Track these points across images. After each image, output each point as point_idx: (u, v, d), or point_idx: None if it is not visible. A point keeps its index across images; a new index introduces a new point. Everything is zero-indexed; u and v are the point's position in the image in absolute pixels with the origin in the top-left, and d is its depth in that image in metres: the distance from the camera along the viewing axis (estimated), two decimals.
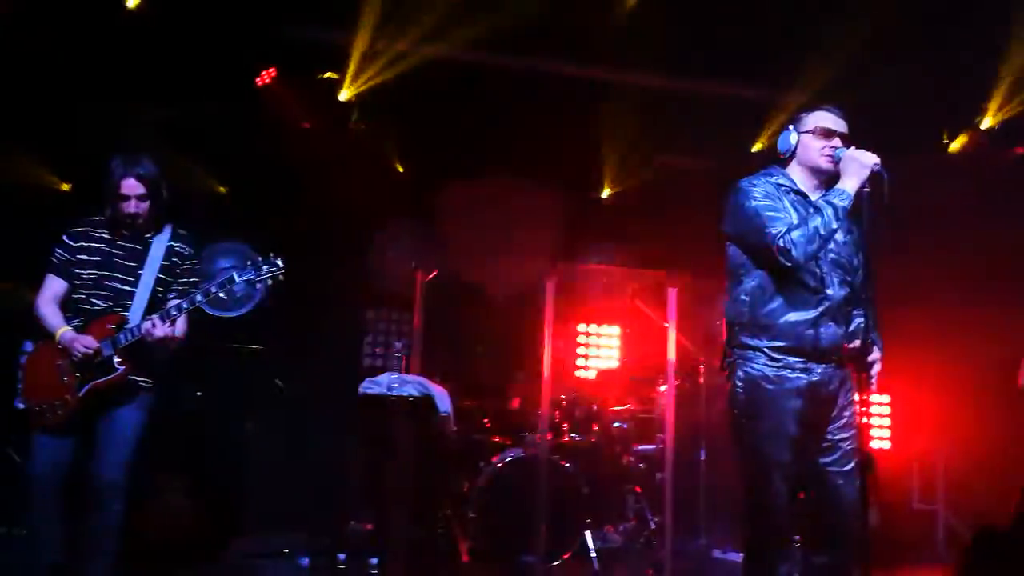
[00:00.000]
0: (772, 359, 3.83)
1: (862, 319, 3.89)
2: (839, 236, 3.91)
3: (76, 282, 4.52)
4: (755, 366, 3.85)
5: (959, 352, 7.54)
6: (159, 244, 4.58)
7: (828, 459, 3.87)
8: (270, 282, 4.49)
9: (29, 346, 4.60)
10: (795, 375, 3.81)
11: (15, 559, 4.69)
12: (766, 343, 3.84)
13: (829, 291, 3.87)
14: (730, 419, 3.98)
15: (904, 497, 8.09)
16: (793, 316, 3.83)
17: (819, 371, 3.84)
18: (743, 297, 3.92)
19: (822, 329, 3.83)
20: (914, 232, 6.66)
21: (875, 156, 3.74)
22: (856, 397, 3.93)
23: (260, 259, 4.51)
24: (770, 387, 3.82)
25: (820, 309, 3.84)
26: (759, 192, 3.89)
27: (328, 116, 7.89)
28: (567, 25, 6.83)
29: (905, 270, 6.67)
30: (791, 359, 3.82)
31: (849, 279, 3.95)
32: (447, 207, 8.15)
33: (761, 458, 3.83)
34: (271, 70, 7.51)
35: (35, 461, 4.40)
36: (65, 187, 7.64)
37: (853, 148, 3.83)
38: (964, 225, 7.38)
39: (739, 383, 3.89)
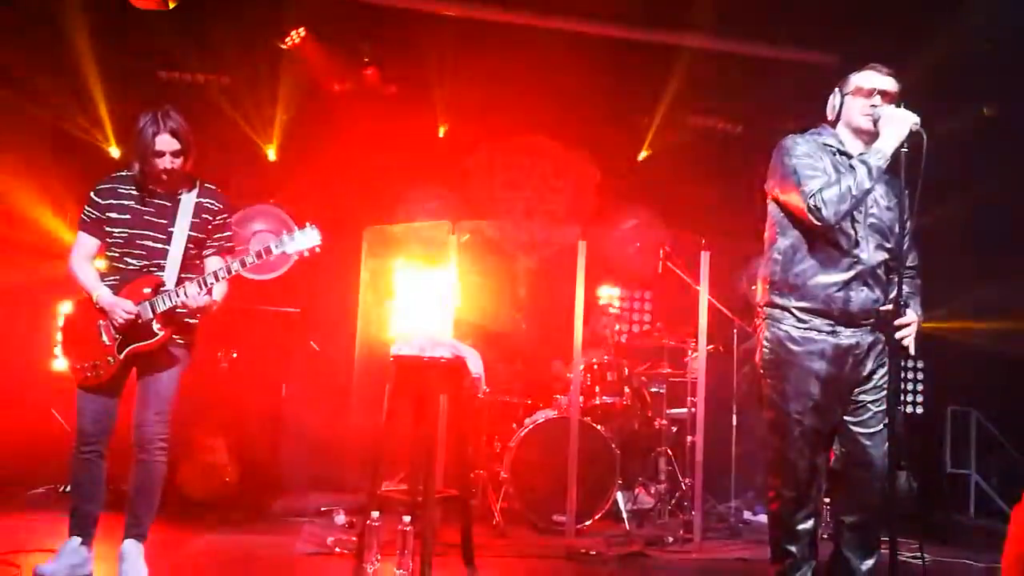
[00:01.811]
0: (799, 320, 3.83)
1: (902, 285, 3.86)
2: (881, 201, 3.87)
3: (108, 240, 4.50)
4: (782, 326, 3.86)
5: (992, 316, 7.49)
6: (188, 200, 4.53)
7: (856, 419, 3.86)
8: (306, 253, 4.51)
9: (67, 307, 4.64)
10: (821, 337, 3.81)
11: (59, 515, 4.76)
12: (794, 303, 3.84)
13: (863, 255, 3.83)
14: (756, 376, 4.01)
15: (937, 460, 8.09)
16: (823, 278, 3.81)
17: (847, 334, 3.82)
18: (776, 256, 3.92)
19: (852, 292, 3.81)
20: (946, 194, 6.60)
21: (914, 115, 3.66)
22: (888, 361, 3.91)
23: (297, 229, 4.51)
24: (795, 348, 3.82)
25: (852, 272, 3.81)
26: (800, 150, 3.86)
27: (358, 78, 7.85)
28: None
29: (940, 231, 6.61)
30: (818, 321, 3.81)
31: (887, 245, 3.88)
32: (481, 168, 8.14)
33: (783, 416, 3.85)
34: (300, 30, 7.42)
35: (79, 418, 4.44)
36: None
37: (892, 107, 3.78)
38: (999, 186, 7.28)
39: (766, 342, 3.91)
